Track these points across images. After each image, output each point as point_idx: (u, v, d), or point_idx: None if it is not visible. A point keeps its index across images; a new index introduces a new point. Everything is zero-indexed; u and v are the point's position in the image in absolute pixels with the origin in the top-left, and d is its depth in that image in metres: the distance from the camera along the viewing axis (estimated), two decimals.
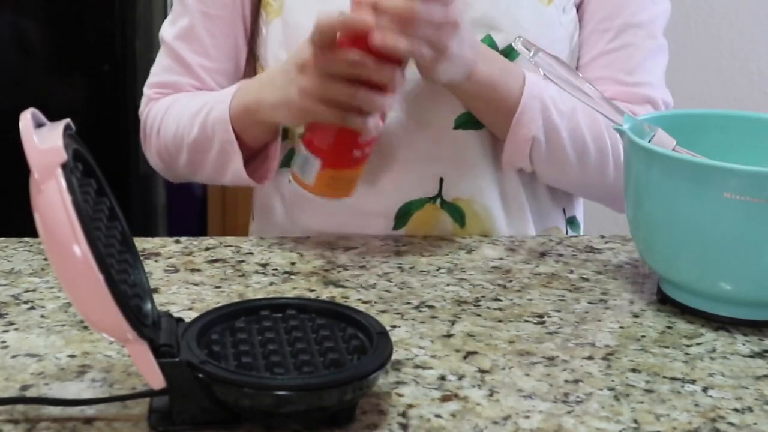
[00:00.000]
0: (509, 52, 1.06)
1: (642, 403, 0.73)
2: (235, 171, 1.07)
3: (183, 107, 1.12)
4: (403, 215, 1.10)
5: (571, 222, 1.21)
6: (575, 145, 1.07)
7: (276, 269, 0.97)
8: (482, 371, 0.77)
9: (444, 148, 1.08)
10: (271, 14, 1.11)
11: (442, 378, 0.75)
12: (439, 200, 1.10)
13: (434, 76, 0.97)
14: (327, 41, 0.91)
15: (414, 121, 1.07)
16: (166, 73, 1.16)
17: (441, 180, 1.09)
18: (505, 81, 1.04)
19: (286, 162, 1.14)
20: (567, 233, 1.20)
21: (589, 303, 0.91)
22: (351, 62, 0.90)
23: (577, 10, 1.13)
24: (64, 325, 0.83)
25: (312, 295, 0.91)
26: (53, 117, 0.67)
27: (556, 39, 1.09)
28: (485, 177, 1.10)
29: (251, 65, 1.18)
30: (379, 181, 1.09)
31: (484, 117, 1.07)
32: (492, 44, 1.06)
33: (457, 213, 1.10)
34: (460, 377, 0.76)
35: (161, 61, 1.17)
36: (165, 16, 2.84)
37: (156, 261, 0.98)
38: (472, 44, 0.99)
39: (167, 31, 1.16)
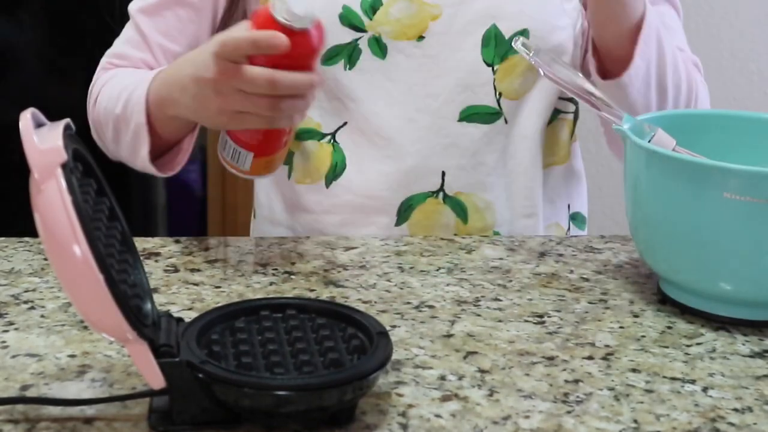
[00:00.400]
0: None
1: (642, 403, 0.73)
2: (142, 158, 1.03)
3: (118, 81, 1.08)
4: (405, 210, 1.10)
5: (575, 218, 1.21)
6: (662, 74, 1.07)
7: (276, 269, 0.97)
8: (482, 371, 0.77)
9: (446, 141, 1.08)
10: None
11: (442, 378, 0.75)
12: (441, 194, 1.10)
13: None
14: (237, 59, 0.86)
15: (417, 113, 1.07)
16: (124, 45, 1.14)
17: (443, 174, 1.09)
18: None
19: (289, 158, 1.14)
20: (569, 229, 1.20)
21: (589, 303, 0.91)
22: (267, 83, 0.86)
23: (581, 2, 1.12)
24: (64, 325, 0.83)
25: (312, 295, 0.91)
26: (53, 117, 0.67)
27: (559, 27, 1.09)
28: (488, 171, 1.10)
29: None
30: (380, 177, 1.09)
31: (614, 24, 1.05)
32: (498, 33, 1.06)
33: (459, 207, 1.10)
34: (460, 377, 0.76)
35: (125, 32, 1.15)
36: None
37: (156, 261, 0.98)
38: None
39: (134, 2, 1.14)
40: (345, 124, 1.10)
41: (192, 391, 0.66)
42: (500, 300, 0.91)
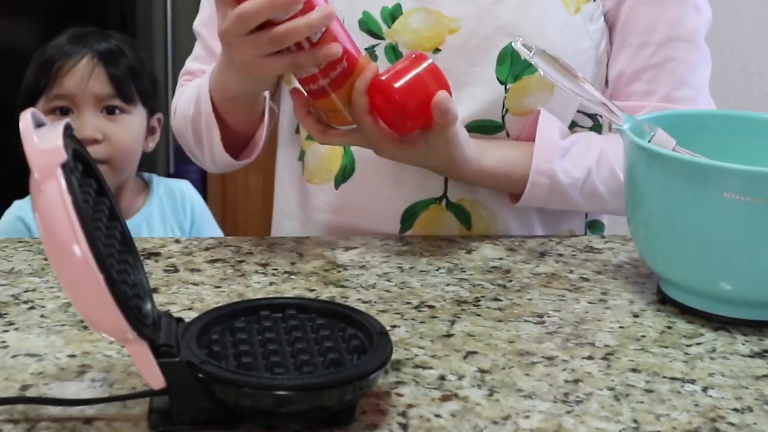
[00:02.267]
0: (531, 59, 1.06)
1: (642, 403, 0.73)
2: (216, 145, 1.08)
3: (190, 88, 1.14)
4: (409, 217, 1.10)
5: (592, 225, 1.20)
6: (592, 204, 1.10)
7: (276, 269, 0.97)
8: (482, 371, 0.77)
9: None
10: None
11: (442, 378, 0.75)
12: (444, 201, 1.10)
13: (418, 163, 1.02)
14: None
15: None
16: (192, 62, 1.20)
17: (446, 180, 1.09)
18: (510, 167, 1.06)
19: (301, 155, 1.14)
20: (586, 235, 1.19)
21: (589, 303, 0.91)
22: (240, 14, 0.89)
23: (605, 19, 1.11)
24: (64, 325, 0.83)
25: (312, 295, 0.91)
26: None
27: (581, 49, 1.08)
28: None
29: None
30: (386, 182, 1.09)
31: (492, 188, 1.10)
32: (515, 52, 1.04)
33: (462, 214, 1.10)
34: (460, 377, 0.76)
35: (194, 50, 1.21)
36: (165, 16, 2.84)
37: (156, 261, 0.98)
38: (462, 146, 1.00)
39: (196, 20, 1.19)
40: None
41: (192, 391, 0.66)
42: (500, 300, 0.91)
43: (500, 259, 1.02)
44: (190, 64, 1.21)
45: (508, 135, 1.08)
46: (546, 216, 1.14)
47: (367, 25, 1.07)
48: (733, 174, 0.81)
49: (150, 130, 1.56)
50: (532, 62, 0.93)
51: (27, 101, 1.48)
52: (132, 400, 0.70)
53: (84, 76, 1.45)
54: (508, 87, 1.06)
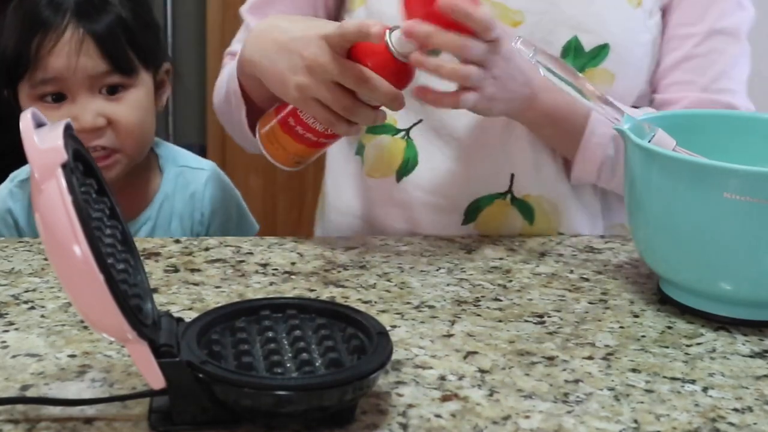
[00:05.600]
0: (597, 54, 1.06)
1: (642, 403, 0.73)
2: (242, 123, 1.08)
3: (226, 69, 1.14)
4: (473, 210, 1.10)
5: None
6: None
7: (276, 269, 0.97)
8: (482, 371, 0.77)
9: (516, 145, 1.09)
10: (356, 2, 1.12)
11: (442, 378, 0.75)
12: (509, 196, 1.10)
13: (480, 113, 0.98)
14: (344, 47, 0.90)
15: (486, 117, 1.07)
16: (236, 44, 1.19)
17: (512, 176, 1.09)
18: (570, 108, 1.04)
19: (359, 150, 1.14)
20: None
21: (589, 303, 0.91)
22: (361, 79, 0.90)
23: (662, 15, 1.12)
24: (64, 325, 0.83)
25: (312, 295, 0.91)
26: None
27: (641, 42, 1.09)
28: (556, 174, 1.10)
29: None
30: (450, 177, 1.09)
31: (551, 142, 1.08)
32: (578, 46, 1.06)
33: (526, 210, 1.10)
34: (460, 377, 0.76)
35: (239, 33, 1.21)
36: (165, 16, 2.83)
37: (156, 261, 0.98)
38: (525, 80, 0.98)
39: (244, 5, 1.19)
40: (420, 121, 1.11)
41: (192, 391, 0.66)
42: (500, 300, 0.91)
43: (500, 259, 1.02)
44: (234, 45, 1.19)
45: None
46: (604, 209, 1.14)
47: None
48: (733, 174, 0.81)
49: (158, 85, 1.26)
50: (533, 62, 0.93)
51: (7, 83, 1.21)
52: (132, 400, 0.70)
53: (71, 53, 1.16)
54: None
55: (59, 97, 1.17)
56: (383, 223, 1.14)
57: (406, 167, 1.11)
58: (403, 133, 1.12)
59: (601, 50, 1.06)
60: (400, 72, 0.91)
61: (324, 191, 1.23)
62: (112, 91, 1.18)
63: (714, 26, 1.11)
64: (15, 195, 1.24)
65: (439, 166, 1.10)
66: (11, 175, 1.26)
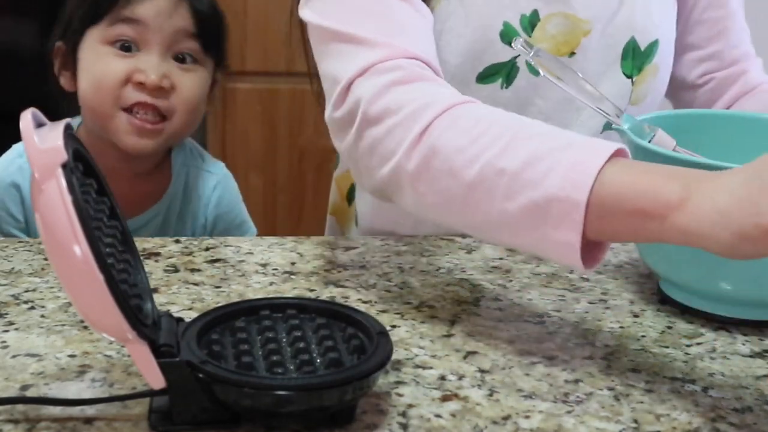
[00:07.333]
0: (651, 51, 1.09)
1: (642, 403, 0.73)
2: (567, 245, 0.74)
3: (473, 115, 0.83)
4: None
5: None
6: None
7: (276, 269, 0.97)
8: (482, 371, 0.77)
9: None
10: None
11: (442, 378, 0.75)
12: None
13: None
14: None
15: (561, 123, 1.07)
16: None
17: None
18: None
19: None
20: None
21: (589, 303, 0.91)
22: None
23: None
24: (64, 325, 0.83)
25: (312, 295, 0.91)
26: (53, 117, 0.67)
27: (674, 30, 1.14)
28: None
29: None
30: None
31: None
32: (636, 46, 1.08)
33: None
34: (460, 377, 0.76)
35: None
36: None
37: (156, 261, 0.98)
38: None
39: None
40: None
41: (192, 391, 0.66)
42: (500, 300, 0.91)
43: (500, 259, 1.02)
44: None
45: None
46: None
47: (509, 37, 1.05)
48: None
49: (212, 83, 1.27)
50: (532, 62, 0.92)
51: (84, 22, 1.21)
52: (132, 400, 0.70)
53: (163, 9, 1.17)
54: (633, 80, 1.09)
55: (127, 47, 1.18)
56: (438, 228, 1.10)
57: None
58: None
59: (654, 46, 1.09)
60: None
61: (357, 213, 1.19)
62: (182, 60, 1.20)
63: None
64: (24, 171, 1.22)
65: None
66: (21, 149, 1.24)
